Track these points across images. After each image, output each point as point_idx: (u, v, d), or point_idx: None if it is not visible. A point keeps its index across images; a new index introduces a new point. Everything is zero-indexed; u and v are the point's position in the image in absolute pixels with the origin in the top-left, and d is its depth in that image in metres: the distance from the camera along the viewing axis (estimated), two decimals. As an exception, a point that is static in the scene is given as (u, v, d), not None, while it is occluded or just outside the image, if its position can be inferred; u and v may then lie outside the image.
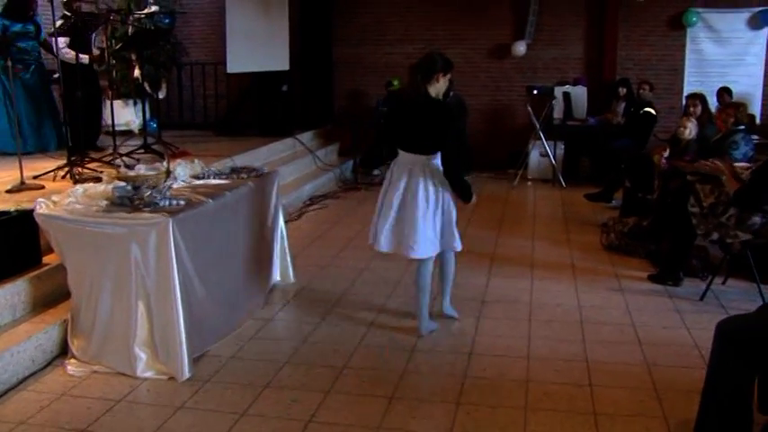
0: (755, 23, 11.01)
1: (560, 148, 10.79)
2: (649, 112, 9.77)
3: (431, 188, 4.66)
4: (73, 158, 6.85)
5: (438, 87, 4.69)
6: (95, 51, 8.41)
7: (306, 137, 11.01)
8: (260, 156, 9.13)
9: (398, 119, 4.86)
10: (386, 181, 4.91)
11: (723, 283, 5.93)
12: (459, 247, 4.91)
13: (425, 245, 4.67)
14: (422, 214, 4.62)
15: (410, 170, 4.69)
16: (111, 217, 4.24)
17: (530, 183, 10.77)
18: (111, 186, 4.61)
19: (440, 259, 4.99)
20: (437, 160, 4.66)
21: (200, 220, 4.50)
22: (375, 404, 3.90)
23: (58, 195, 4.67)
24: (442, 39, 11.92)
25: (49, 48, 8.31)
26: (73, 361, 4.29)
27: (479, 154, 11.38)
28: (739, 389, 3.19)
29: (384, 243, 4.77)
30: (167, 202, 4.40)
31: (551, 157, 10.62)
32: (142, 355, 4.20)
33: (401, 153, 4.80)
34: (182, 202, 4.45)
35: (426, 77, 4.62)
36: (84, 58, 8.02)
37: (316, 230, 7.86)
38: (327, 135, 11.93)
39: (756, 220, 5.37)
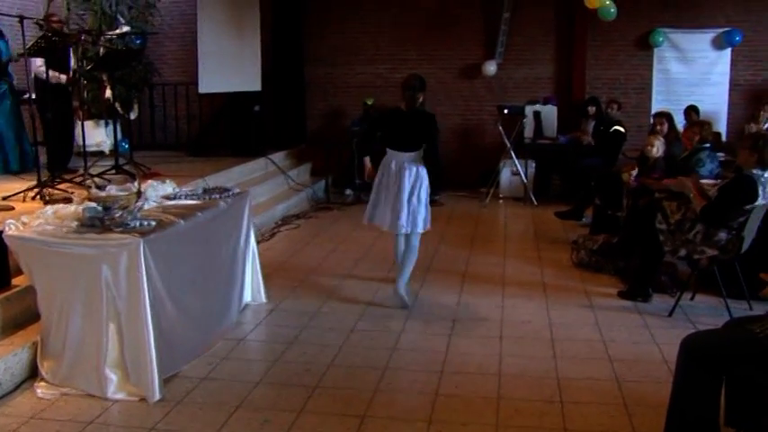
0: (720, 43, 11.24)
1: (531, 166, 10.89)
2: (618, 131, 9.91)
3: (412, 178, 5.79)
4: (43, 179, 6.82)
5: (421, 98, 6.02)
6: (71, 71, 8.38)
7: (278, 157, 11.03)
8: (232, 176, 9.12)
9: (394, 124, 6.09)
10: (378, 174, 6.00)
11: (692, 298, 6.02)
12: (424, 227, 5.96)
13: (407, 224, 5.80)
14: (406, 199, 5.77)
15: (398, 165, 5.84)
16: (82, 238, 4.23)
17: (501, 201, 10.84)
18: (81, 207, 4.59)
19: (406, 242, 5.97)
20: (417, 155, 5.90)
21: (171, 240, 4.50)
22: (347, 423, 3.90)
23: (27, 216, 4.63)
24: (413, 58, 12.02)
25: (4, 68, 8.26)
26: (42, 384, 4.25)
27: (451, 173, 11.46)
28: (705, 403, 3.24)
29: (381, 221, 5.95)
30: (138, 223, 4.39)
31: (522, 175, 10.72)
32: (113, 376, 4.17)
33: (391, 152, 5.94)
34: (153, 223, 4.45)
35: (421, 92, 6.00)
36: (62, 77, 7.98)
37: (288, 250, 7.87)
38: (300, 155, 11.96)
39: (722, 235, 5.46)
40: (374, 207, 6.03)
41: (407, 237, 5.93)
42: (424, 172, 5.90)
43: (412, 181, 5.80)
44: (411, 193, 5.80)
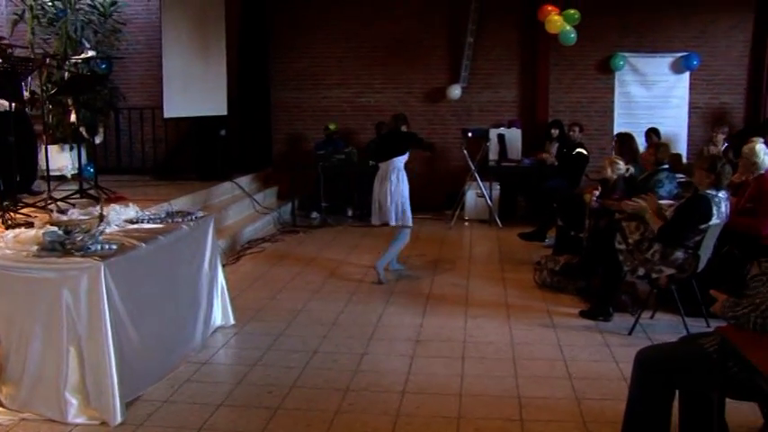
0: (678, 68, 11.50)
1: (496, 188, 11.02)
2: (581, 153, 10.07)
3: (393, 182, 7.49)
4: (5, 203, 6.78)
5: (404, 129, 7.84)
6: (26, 95, 8.31)
7: (244, 181, 11.04)
8: (198, 200, 9.13)
9: (383, 143, 8.17)
10: (375, 183, 7.68)
11: (651, 317, 6.12)
12: (408, 223, 7.67)
13: (392, 217, 7.50)
14: (391, 199, 7.45)
15: (384, 173, 7.56)
16: (42, 262, 4.22)
17: (467, 223, 10.94)
18: (42, 231, 4.58)
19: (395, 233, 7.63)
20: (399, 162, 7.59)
21: (132, 264, 4.50)
22: (308, 444, 3.92)
23: (-13, 241, 4.62)
24: (378, 83, 12.14)
25: None
26: (1, 409, 4.22)
27: (417, 196, 11.38)
28: (657, 414, 3.33)
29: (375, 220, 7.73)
30: (99, 247, 4.39)
31: (487, 197, 10.83)
32: (73, 400, 4.15)
33: (380, 165, 7.67)
34: (114, 247, 4.45)
35: (403, 123, 7.82)
36: (4, 102, 7.89)
37: (254, 273, 7.88)
38: (266, 179, 11.98)
39: (679, 255, 5.57)
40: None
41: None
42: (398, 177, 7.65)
43: (391, 186, 7.55)
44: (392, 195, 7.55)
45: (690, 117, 11.65)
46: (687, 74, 11.54)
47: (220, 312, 5.88)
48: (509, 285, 7.31)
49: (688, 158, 11.14)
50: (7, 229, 5.92)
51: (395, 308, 6.56)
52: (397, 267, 7.91)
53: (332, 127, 11.57)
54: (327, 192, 11.19)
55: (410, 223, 7.65)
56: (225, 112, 11.04)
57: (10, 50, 8.13)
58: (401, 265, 8.06)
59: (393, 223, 7.54)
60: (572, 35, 10.56)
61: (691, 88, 11.61)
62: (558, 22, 10.49)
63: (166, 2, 9.65)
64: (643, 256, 5.71)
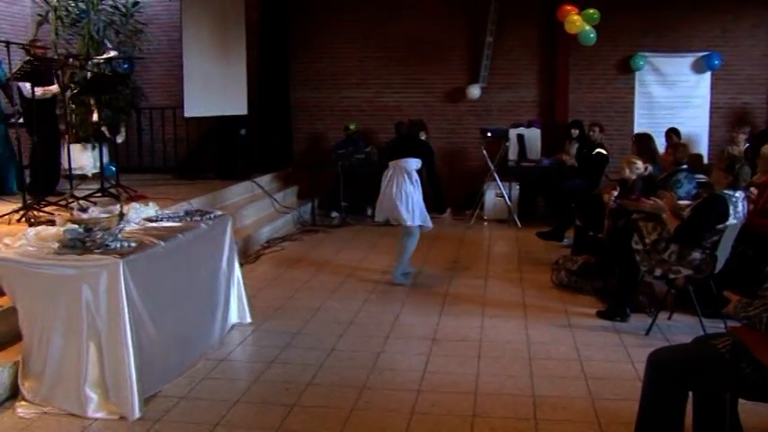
0: (699, 67, 11.45)
1: (515, 188, 11.01)
2: (601, 153, 10.03)
3: (407, 182, 7.25)
4: (29, 202, 6.89)
5: (422, 135, 7.78)
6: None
7: (264, 180, 11.11)
8: (218, 199, 9.21)
9: (399, 144, 7.94)
10: (383, 180, 7.47)
11: (669, 318, 6.10)
12: (417, 223, 7.35)
13: (411, 217, 7.26)
14: (411, 199, 7.23)
15: (395, 172, 7.32)
16: (62, 259, 4.29)
17: (486, 223, 10.94)
18: (62, 229, 4.65)
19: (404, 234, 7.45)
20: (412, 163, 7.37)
21: (151, 261, 4.56)
22: (323, 440, 3.95)
23: (10, 238, 4.70)
24: (398, 83, 12.18)
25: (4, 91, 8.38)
26: (23, 403, 4.29)
27: (436, 195, 11.56)
28: (670, 416, 3.32)
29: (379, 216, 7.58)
30: (119, 244, 4.46)
31: (506, 197, 10.83)
32: (93, 395, 4.22)
33: (390, 164, 7.45)
34: (133, 244, 4.51)
35: (421, 129, 7.80)
36: (41, 90, 8.02)
37: (273, 272, 7.93)
38: (286, 178, 12.05)
39: (696, 255, 5.56)
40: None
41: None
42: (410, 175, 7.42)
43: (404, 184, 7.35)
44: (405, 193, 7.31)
45: (711, 117, 11.60)
46: (708, 73, 11.49)
47: (237, 310, 5.94)
48: (527, 285, 7.31)
49: (709, 159, 11.06)
50: (30, 226, 6.03)
51: (412, 307, 6.59)
52: (409, 270, 7.72)
53: (352, 127, 11.62)
54: (347, 191, 11.22)
55: (431, 224, 7.51)
56: (245, 112, 11.13)
57: (42, 52, 8.26)
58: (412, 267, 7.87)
59: (414, 223, 7.30)
60: (591, 35, 10.54)
61: (712, 88, 11.56)
62: (577, 22, 10.47)
63: (187, 2, 9.73)
64: (660, 256, 5.70)
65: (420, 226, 7.39)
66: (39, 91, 7.82)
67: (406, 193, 7.23)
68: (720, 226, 5.41)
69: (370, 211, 11.42)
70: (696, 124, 11.51)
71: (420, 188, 7.38)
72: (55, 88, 8.18)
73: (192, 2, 9.78)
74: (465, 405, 4.41)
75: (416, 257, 8.29)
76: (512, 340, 5.64)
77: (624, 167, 7.42)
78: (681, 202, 6.25)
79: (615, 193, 7.41)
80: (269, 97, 12.11)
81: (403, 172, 7.31)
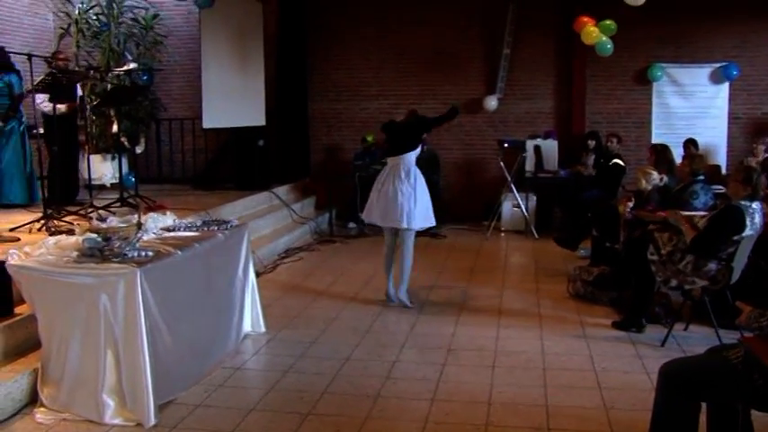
0: (717, 78, 11.41)
1: (532, 199, 11.02)
2: (618, 164, 10.02)
3: (411, 180, 6.71)
4: (49, 211, 6.98)
5: None
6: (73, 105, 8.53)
7: (282, 190, 11.18)
8: (236, 209, 9.27)
9: (396, 136, 7.03)
10: (378, 179, 7.02)
11: (685, 329, 6.08)
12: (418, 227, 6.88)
13: (413, 221, 6.73)
14: (415, 199, 6.70)
15: (394, 169, 6.81)
16: (81, 267, 4.36)
17: (503, 234, 10.95)
18: (81, 238, 4.72)
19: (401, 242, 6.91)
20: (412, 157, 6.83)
21: (168, 270, 4.61)
22: (337, 449, 3.98)
23: (30, 247, 4.77)
24: (415, 94, 12.20)
25: (17, 103, 8.48)
26: (42, 409, 4.35)
27: (454, 206, 11.63)
28: (684, 428, 3.31)
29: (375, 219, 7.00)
30: (136, 254, 4.52)
31: (523, 208, 10.83)
32: (110, 402, 4.27)
33: (389, 160, 6.98)
34: (150, 254, 4.57)
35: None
36: (61, 106, 8.14)
37: (289, 282, 7.98)
38: (304, 189, 12.11)
39: (712, 266, 5.54)
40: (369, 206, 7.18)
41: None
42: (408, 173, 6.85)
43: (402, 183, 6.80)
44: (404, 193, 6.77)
45: (729, 128, 11.54)
46: (726, 84, 11.43)
47: (251, 319, 5.99)
48: (543, 296, 7.31)
49: (727, 169, 11.02)
50: (50, 235, 6.11)
51: (428, 317, 6.61)
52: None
53: (369, 139, 11.66)
54: (364, 202, 11.16)
55: (434, 221, 7.00)
56: (263, 123, 11.23)
57: (64, 64, 8.38)
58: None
59: (413, 227, 6.76)
60: (608, 46, 10.53)
61: (730, 99, 11.51)
62: (593, 33, 10.47)
63: (206, 14, 9.84)
64: (675, 267, 5.68)
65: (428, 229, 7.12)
66: (47, 107, 7.95)
67: (402, 192, 6.69)
68: (737, 237, 5.39)
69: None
70: (714, 135, 11.46)
71: (422, 183, 6.82)
72: (65, 108, 8.24)
73: (210, 14, 9.89)
74: (479, 414, 4.43)
75: (433, 267, 8.34)
76: (527, 350, 5.65)
77: (640, 178, 7.42)
78: (697, 213, 6.24)
79: (630, 204, 7.40)
80: (287, 108, 12.19)
81: (400, 169, 6.77)
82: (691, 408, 3.33)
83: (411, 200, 6.67)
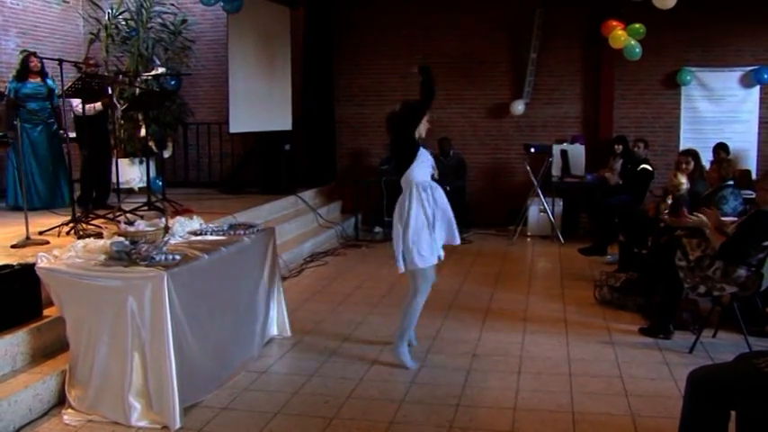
0: (748, 82, 11.26)
1: (559, 204, 10.96)
2: (646, 169, 9.92)
3: (404, 203, 5.44)
4: (78, 215, 7.06)
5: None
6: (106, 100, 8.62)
7: (308, 195, 11.21)
8: (262, 213, 9.31)
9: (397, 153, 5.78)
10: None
11: (713, 335, 6.01)
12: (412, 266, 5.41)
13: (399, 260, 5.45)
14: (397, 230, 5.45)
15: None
16: (109, 271, 4.40)
17: (529, 239, 10.90)
18: (109, 242, 4.76)
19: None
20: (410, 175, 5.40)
21: (194, 274, 4.65)
22: (361, 453, 3.98)
23: (59, 250, 4.83)
24: (442, 98, 12.07)
25: (59, 111, 8.63)
26: (70, 411, 4.40)
27: (479, 211, 11.58)
28: (711, 436, 3.28)
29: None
30: (163, 257, 4.55)
31: (549, 213, 10.77)
32: (136, 404, 4.31)
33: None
34: (177, 257, 4.60)
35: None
36: (97, 104, 8.28)
37: (315, 286, 7.99)
38: (330, 193, 12.14)
39: (742, 272, 5.48)
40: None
41: None
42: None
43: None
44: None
45: (760, 132, 11.38)
46: (757, 88, 11.27)
47: (277, 323, 6.01)
48: (569, 301, 7.26)
49: (757, 174, 10.88)
50: (79, 239, 6.17)
51: (453, 322, 6.59)
52: (413, 342, 5.81)
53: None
54: (390, 207, 11.13)
55: (421, 264, 5.29)
56: (289, 127, 11.29)
57: (94, 69, 8.51)
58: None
59: (401, 268, 5.41)
60: (637, 50, 10.45)
61: (761, 103, 11.34)
62: (621, 37, 10.40)
63: (233, 20, 9.90)
64: (704, 273, 5.63)
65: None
66: (79, 108, 8.08)
67: (401, 218, 5.38)
68: (766, 243, 5.33)
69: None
70: (744, 139, 11.31)
71: (425, 200, 5.32)
72: (98, 105, 8.35)
73: (238, 19, 9.94)
74: (504, 421, 4.41)
75: (458, 272, 8.31)
76: (552, 356, 5.61)
77: (681, 182, 7.26)
78: (726, 219, 6.17)
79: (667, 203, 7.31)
80: (313, 113, 12.21)
81: (404, 191, 5.43)
82: (719, 416, 3.29)
83: (404, 229, 5.33)
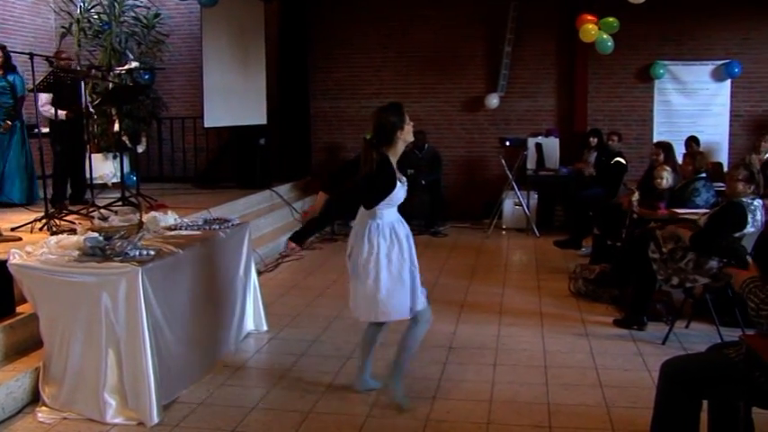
0: (719, 75, 11.38)
1: (533, 197, 11.02)
2: (619, 162, 10.00)
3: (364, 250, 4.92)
4: (51, 211, 6.99)
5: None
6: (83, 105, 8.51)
7: (283, 189, 11.18)
8: (237, 208, 9.27)
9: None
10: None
11: (686, 326, 6.07)
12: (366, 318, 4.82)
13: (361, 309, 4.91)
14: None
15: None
16: (82, 266, 4.37)
17: (504, 232, 10.95)
18: (83, 237, 4.72)
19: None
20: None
21: (169, 269, 4.62)
22: (338, 447, 3.98)
23: (32, 246, 4.78)
24: (416, 92, 12.19)
25: (20, 105, 8.49)
26: (44, 408, 4.36)
27: (454, 205, 11.63)
28: (685, 425, 3.32)
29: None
30: (138, 253, 4.52)
31: (524, 206, 10.83)
32: (112, 401, 4.28)
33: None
34: (152, 252, 4.57)
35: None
36: (62, 114, 8.14)
37: (291, 280, 7.98)
38: (305, 187, 12.09)
39: (713, 264, 5.54)
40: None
41: None
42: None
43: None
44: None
45: (731, 125, 11.51)
46: (728, 81, 11.41)
47: (253, 318, 6.00)
48: (544, 294, 7.31)
49: (729, 167, 10.99)
50: (52, 234, 6.12)
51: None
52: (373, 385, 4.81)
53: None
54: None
55: (394, 316, 4.66)
56: (264, 122, 11.24)
57: (66, 63, 8.38)
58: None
59: (360, 317, 4.82)
60: (609, 43, 10.51)
61: (732, 96, 11.48)
62: (592, 31, 10.42)
63: (207, 14, 9.84)
64: (677, 265, 5.68)
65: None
66: (48, 111, 7.99)
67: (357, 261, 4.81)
68: (738, 234, 5.39)
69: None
70: (716, 132, 11.44)
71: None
72: (64, 115, 8.21)
73: (212, 13, 9.89)
74: (480, 412, 4.43)
75: (434, 266, 8.32)
76: (528, 348, 5.65)
77: (661, 177, 7.29)
78: (698, 211, 6.24)
79: (635, 197, 7.38)
80: (288, 107, 12.19)
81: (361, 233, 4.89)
82: (692, 405, 3.33)
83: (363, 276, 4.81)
